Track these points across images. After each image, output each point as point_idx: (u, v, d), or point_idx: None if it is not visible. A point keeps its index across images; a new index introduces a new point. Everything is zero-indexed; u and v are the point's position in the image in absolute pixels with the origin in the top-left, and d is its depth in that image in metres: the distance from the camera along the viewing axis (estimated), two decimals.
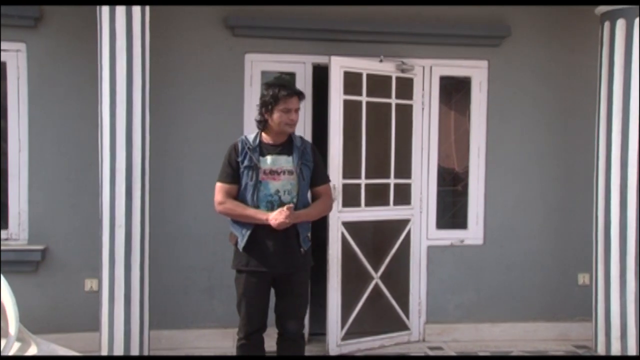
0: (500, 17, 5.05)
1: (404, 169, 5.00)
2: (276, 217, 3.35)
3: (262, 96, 3.52)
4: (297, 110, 3.48)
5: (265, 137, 3.54)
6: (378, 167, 4.90)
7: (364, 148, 4.80)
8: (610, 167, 4.53)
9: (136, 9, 4.02)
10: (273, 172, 3.45)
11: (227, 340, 4.84)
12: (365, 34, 4.89)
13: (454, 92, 5.36)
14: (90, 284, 4.69)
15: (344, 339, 4.77)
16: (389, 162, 4.92)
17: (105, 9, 3.99)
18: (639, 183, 4.48)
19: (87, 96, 4.54)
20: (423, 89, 5.03)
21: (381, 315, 4.96)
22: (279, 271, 3.46)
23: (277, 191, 3.44)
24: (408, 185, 5.03)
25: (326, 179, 3.66)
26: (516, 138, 5.15)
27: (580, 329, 5.03)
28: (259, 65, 4.89)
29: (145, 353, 4.15)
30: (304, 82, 4.93)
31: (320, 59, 4.87)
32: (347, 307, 4.79)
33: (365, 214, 4.80)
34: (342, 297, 4.75)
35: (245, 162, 3.45)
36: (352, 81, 4.71)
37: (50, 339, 2.68)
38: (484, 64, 5.10)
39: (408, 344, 5.01)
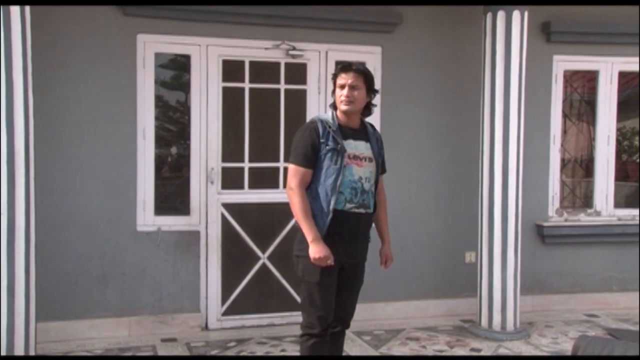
0: (393, 5, 5.18)
1: None
2: (322, 254, 3.12)
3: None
4: (353, 86, 3.23)
5: (342, 120, 3.31)
6: (265, 152, 5.00)
7: (247, 133, 4.96)
8: (493, 151, 4.82)
9: None
10: (356, 157, 3.26)
11: (120, 330, 4.75)
12: (261, 17, 4.88)
13: None
14: None
15: (225, 314, 5.00)
16: (278, 146, 5.00)
17: None
18: (517, 166, 4.81)
19: None
20: (319, 74, 5.09)
21: (271, 295, 5.11)
22: (353, 261, 3.32)
23: (360, 178, 3.26)
24: None
25: (385, 169, 3.53)
26: (408, 122, 5.33)
27: (467, 304, 5.32)
28: (152, 46, 4.76)
29: (32, 347, 3.97)
30: (199, 65, 4.86)
31: (215, 41, 4.84)
32: (229, 284, 5.00)
33: (250, 196, 4.95)
34: (222, 275, 4.96)
35: (330, 144, 3.20)
36: (233, 68, 4.79)
37: None
38: (377, 49, 5.23)
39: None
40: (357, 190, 3.26)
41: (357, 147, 3.29)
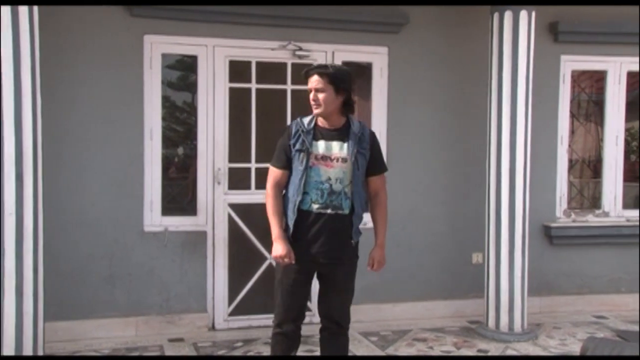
0: (399, 5, 5.17)
1: None
2: (279, 253, 3.26)
3: None
4: (317, 89, 3.25)
5: (320, 121, 3.34)
6: (272, 152, 4.97)
7: (254, 133, 4.98)
8: (500, 152, 4.81)
9: None
10: (325, 158, 3.27)
11: (128, 330, 4.76)
12: (267, 17, 4.88)
13: (357, 77, 5.43)
14: None
15: (232, 314, 5.02)
16: None
17: None
18: (524, 167, 4.79)
19: None
20: None
21: None
22: (323, 262, 3.30)
23: (329, 179, 3.26)
24: None
25: (382, 169, 3.45)
26: (416, 123, 5.32)
27: (474, 305, 5.29)
28: (159, 47, 4.78)
29: (40, 346, 4.00)
30: (206, 66, 4.87)
31: (222, 42, 4.86)
32: (235, 284, 5.01)
33: (256, 196, 4.92)
34: (229, 275, 4.97)
35: (297, 146, 3.27)
36: (240, 68, 4.81)
37: None
38: (384, 50, 5.22)
39: (310, 325, 5.09)
40: (324, 191, 3.27)
41: (329, 147, 3.30)
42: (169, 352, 4.48)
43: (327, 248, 3.30)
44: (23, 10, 3.80)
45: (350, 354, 4.45)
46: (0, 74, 3.77)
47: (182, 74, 5.13)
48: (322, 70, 3.28)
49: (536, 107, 4.99)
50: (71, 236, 4.64)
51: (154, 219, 4.82)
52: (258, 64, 4.98)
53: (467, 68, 5.34)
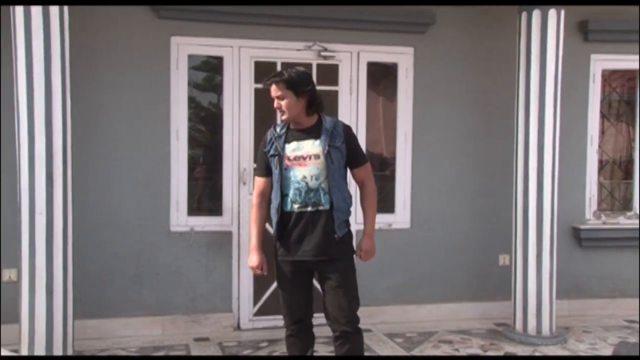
0: (425, 5, 5.14)
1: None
2: (251, 264, 3.48)
3: None
4: (278, 97, 3.32)
5: (292, 124, 3.40)
6: None
7: None
8: (528, 152, 4.74)
9: None
10: (298, 158, 3.33)
11: (155, 329, 4.81)
12: (292, 18, 4.89)
13: (382, 78, 5.44)
14: (8, 275, 4.51)
15: (257, 314, 5.05)
16: None
17: None
18: (552, 167, 4.71)
19: (2, 79, 4.35)
20: (351, 75, 5.09)
21: None
22: (313, 260, 3.32)
23: (304, 177, 3.31)
24: None
25: (361, 161, 3.45)
26: (441, 124, 5.28)
27: (501, 307, 5.22)
28: (185, 48, 4.82)
29: (70, 343, 4.07)
30: (232, 67, 4.90)
31: (247, 43, 4.88)
32: (260, 284, 5.00)
33: None
34: (254, 275, 4.81)
35: (271, 151, 3.37)
36: (265, 69, 4.79)
37: None
38: (410, 50, 5.19)
39: None
40: (301, 190, 3.32)
41: (301, 147, 3.34)
42: (194, 352, 4.52)
43: (312, 246, 3.32)
44: (54, 11, 3.87)
45: (374, 354, 4.45)
46: (32, 76, 3.85)
47: (208, 75, 5.16)
48: (277, 79, 3.33)
49: (565, 107, 4.92)
50: (99, 236, 4.70)
51: (180, 219, 4.86)
52: (283, 64, 4.99)
53: (494, 68, 5.29)
